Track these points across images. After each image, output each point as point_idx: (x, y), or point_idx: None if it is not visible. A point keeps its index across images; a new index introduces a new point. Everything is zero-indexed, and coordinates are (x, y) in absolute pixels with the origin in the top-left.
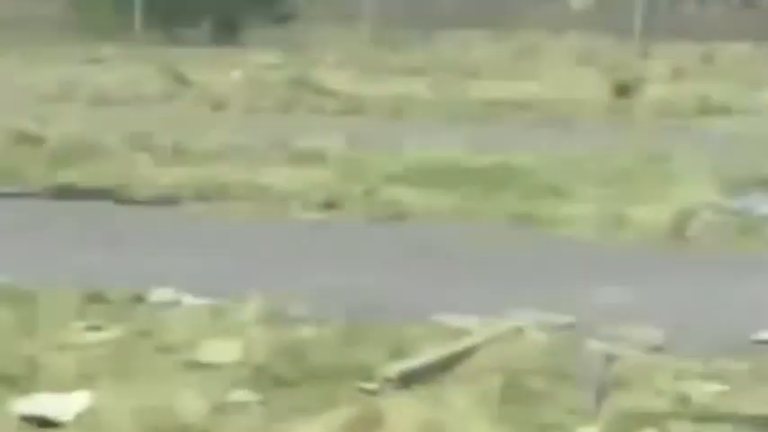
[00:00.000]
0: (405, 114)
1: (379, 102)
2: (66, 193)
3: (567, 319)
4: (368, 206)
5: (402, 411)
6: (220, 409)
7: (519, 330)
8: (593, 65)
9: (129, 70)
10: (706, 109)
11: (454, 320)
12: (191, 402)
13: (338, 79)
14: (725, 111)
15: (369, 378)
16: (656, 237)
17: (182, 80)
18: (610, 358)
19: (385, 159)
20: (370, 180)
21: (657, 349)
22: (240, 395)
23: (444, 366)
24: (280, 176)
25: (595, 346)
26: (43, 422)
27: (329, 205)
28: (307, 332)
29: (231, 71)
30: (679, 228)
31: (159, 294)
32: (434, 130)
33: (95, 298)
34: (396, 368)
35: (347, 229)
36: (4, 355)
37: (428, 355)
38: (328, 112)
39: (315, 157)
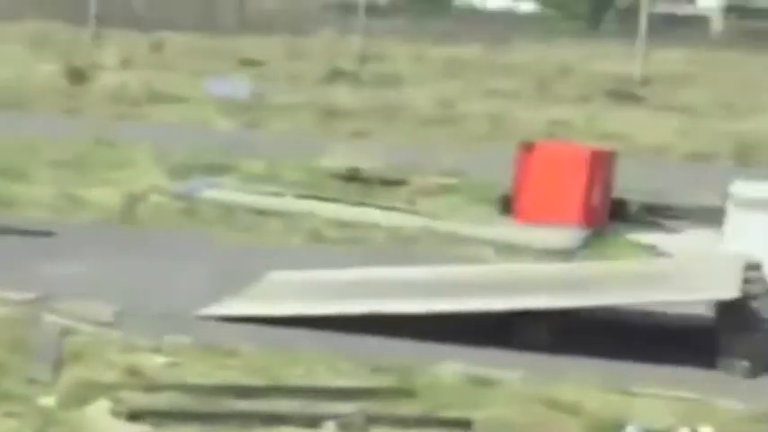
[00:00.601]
0: None
1: None
2: None
3: (26, 294)
4: None
5: None
6: None
7: None
8: (47, 49)
9: None
10: (154, 97)
11: None
12: None
13: None
14: (172, 99)
15: None
16: (108, 218)
17: None
18: (65, 332)
19: None
20: None
21: (109, 324)
22: None
23: None
24: None
25: (52, 320)
26: None
27: None
28: None
29: None
30: (129, 209)
31: None
32: None
33: None
34: None
35: None
36: None
37: None
38: None
39: None
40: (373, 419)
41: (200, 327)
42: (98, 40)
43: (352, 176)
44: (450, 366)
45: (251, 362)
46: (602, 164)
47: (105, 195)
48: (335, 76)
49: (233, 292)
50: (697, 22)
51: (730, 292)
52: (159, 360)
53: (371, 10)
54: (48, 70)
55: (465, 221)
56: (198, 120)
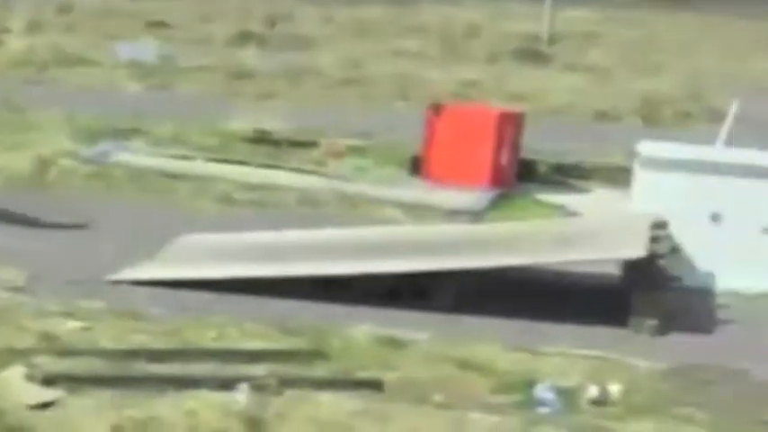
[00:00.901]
0: None
1: None
2: None
3: None
4: None
5: None
6: None
7: None
8: None
9: None
10: (62, 60)
11: None
12: None
13: None
14: (80, 62)
15: None
16: (18, 182)
17: None
18: None
19: None
20: None
21: (21, 289)
22: None
23: None
24: None
25: None
26: None
27: None
28: None
29: None
30: (38, 174)
31: None
32: None
33: None
34: None
35: None
36: None
37: None
38: None
39: None
40: (286, 381)
41: (112, 291)
42: (4, 3)
43: (261, 139)
44: (362, 328)
45: (163, 325)
46: (510, 125)
47: (14, 160)
48: (244, 38)
49: (144, 257)
50: None
51: (637, 251)
52: (72, 325)
53: None
54: None
55: (374, 183)
56: (107, 83)
